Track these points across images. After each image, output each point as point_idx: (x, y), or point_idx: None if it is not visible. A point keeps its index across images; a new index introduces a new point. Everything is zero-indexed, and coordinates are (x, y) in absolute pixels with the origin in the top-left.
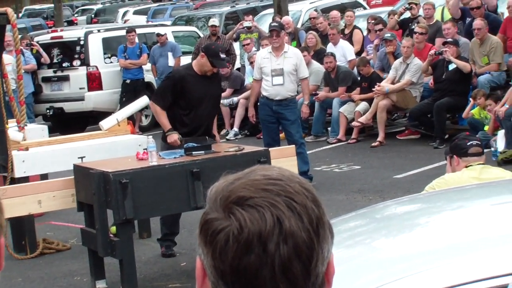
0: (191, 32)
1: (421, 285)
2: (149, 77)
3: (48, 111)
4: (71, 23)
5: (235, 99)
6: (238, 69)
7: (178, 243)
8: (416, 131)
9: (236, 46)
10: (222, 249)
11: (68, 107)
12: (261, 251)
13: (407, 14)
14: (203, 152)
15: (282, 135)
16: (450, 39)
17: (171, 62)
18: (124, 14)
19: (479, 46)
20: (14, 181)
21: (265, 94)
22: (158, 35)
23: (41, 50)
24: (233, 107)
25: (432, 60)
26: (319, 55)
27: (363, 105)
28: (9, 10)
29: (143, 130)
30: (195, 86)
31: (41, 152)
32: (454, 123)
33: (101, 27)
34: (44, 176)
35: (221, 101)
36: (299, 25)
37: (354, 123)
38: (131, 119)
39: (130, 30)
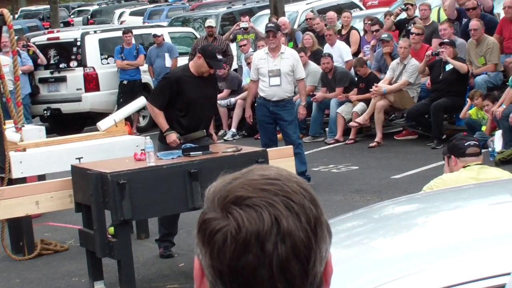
0: (188, 33)
1: (419, 285)
2: (146, 78)
3: (45, 112)
4: (67, 24)
5: (232, 99)
6: (235, 70)
7: (176, 243)
8: (414, 131)
9: (233, 47)
10: (220, 248)
11: (65, 108)
12: (259, 250)
13: (404, 15)
14: (201, 152)
15: (279, 135)
16: (446, 40)
17: (168, 63)
18: (121, 15)
19: (475, 46)
20: (11, 182)
21: (262, 94)
22: (155, 36)
23: (37, 51)
24: (230, 108)
25: (429, 61)
26: (316, 56)
27: (360, 105)
28: (5, 11)
29: (141, 131)
30: (192, 87)
31: (39, 153)
32: (451, 123)
33: (97, 28)
34: (41, 177)
35: (219, 102)
36: (295, 26)
37: (351, 124)
38: (129, 120)
39: (127, 31)
